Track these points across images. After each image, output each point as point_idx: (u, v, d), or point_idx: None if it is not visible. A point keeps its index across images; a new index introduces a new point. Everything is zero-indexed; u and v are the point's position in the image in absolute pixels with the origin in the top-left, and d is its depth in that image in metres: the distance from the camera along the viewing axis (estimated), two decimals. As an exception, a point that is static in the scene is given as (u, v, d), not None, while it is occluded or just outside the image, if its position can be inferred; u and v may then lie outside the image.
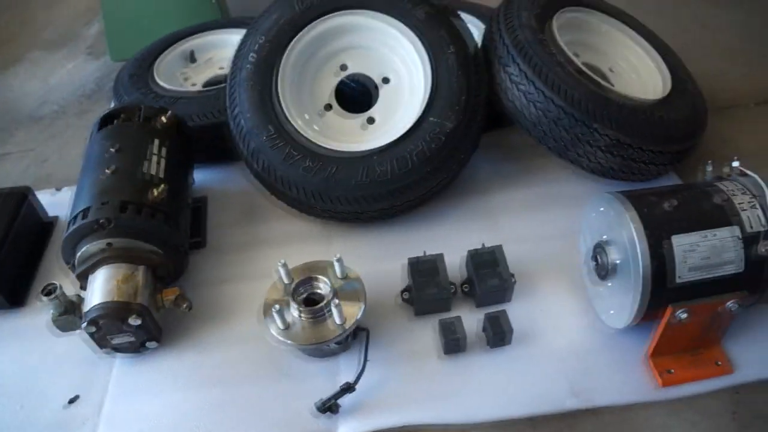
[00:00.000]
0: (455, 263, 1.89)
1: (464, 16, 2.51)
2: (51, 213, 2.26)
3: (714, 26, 3.21)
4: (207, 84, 2.56)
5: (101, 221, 1.69)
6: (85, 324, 1.63)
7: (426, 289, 1.77)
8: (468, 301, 1.84)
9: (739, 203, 1.56)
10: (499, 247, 1.84)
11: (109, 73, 3.09)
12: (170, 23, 2.86)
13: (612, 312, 1.67)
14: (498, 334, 1.67)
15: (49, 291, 1.64)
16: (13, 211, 2.04)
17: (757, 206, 1.56)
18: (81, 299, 1.70)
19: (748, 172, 1.64)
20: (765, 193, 1.56)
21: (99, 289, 1.67)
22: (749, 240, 1.52)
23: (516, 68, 1.98)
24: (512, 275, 1.80)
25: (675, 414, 1.60)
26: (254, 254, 2.04)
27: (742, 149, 2.39)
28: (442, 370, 1.69)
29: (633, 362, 1.68)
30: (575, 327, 1.78)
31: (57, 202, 2.29)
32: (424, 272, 1.79)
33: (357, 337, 1.75)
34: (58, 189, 2.41)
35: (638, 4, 3.36)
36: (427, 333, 1.77)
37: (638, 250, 1.49)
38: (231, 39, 2.53)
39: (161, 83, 2.39)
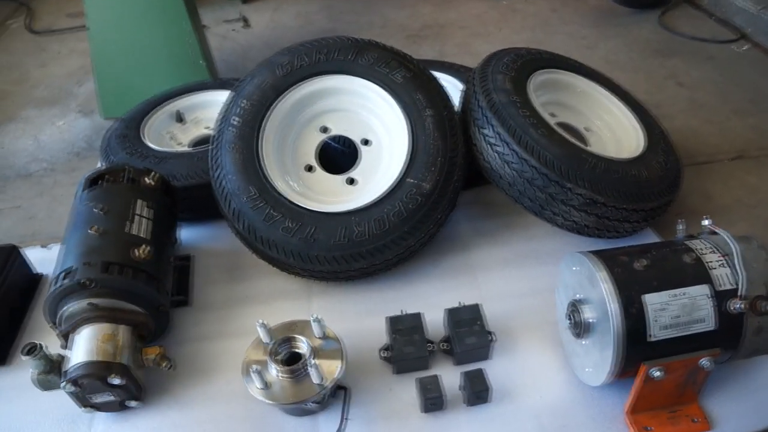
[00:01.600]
0: (436, 320, 1.89)
1: (445, 75, 2.59)
2: (38, 269, 2.25)
3: (688, 84, 3.28)
4: (193, 144, 2.59)
5: (84, 281, 1.70)
6: (64, 383, 1.63)
7: (405, 348, 1.78)
8: (447, 359, 1.84)
9: (708, 262, 1.58)
10: (477, 306, 1.85)
11: (99, 130, 3.11)
12: (160, 83, 2.92)
13: (588, 370, 1.68)
14: (475, 392, 1.67)
15: (30, 350, 1.63)
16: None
17: (726, 264, 1.58)
18: (63, 358, 1.70)
19: (718, 231, 1.67)
20: (734, 251, 1.58)
21: (80, 348, 1.67)
22: (720, 298, 1.54)
23: (491, 130, 2.02)
24: (491, 333, 1.81)
25: (652, 472, 1.59)
26: (237, 312, 2.04)
27: (719, 204, 2.44)
28: (421, 428, 1.68)
29: (612, 419, 1.68)
30: (554, 383, 1.78)
31: (44, 259, 2.28)
32: (403, 331, 1.81)
33: (336, 395, 1.75)
34: (44, 246, 2.40)
35: (615, 62, 3.48)
36: (406, 391, 1.76)
37: (610, 310, 1.50)
38: (218, 99, 2.53)
39: (148, 143, 2.40)
